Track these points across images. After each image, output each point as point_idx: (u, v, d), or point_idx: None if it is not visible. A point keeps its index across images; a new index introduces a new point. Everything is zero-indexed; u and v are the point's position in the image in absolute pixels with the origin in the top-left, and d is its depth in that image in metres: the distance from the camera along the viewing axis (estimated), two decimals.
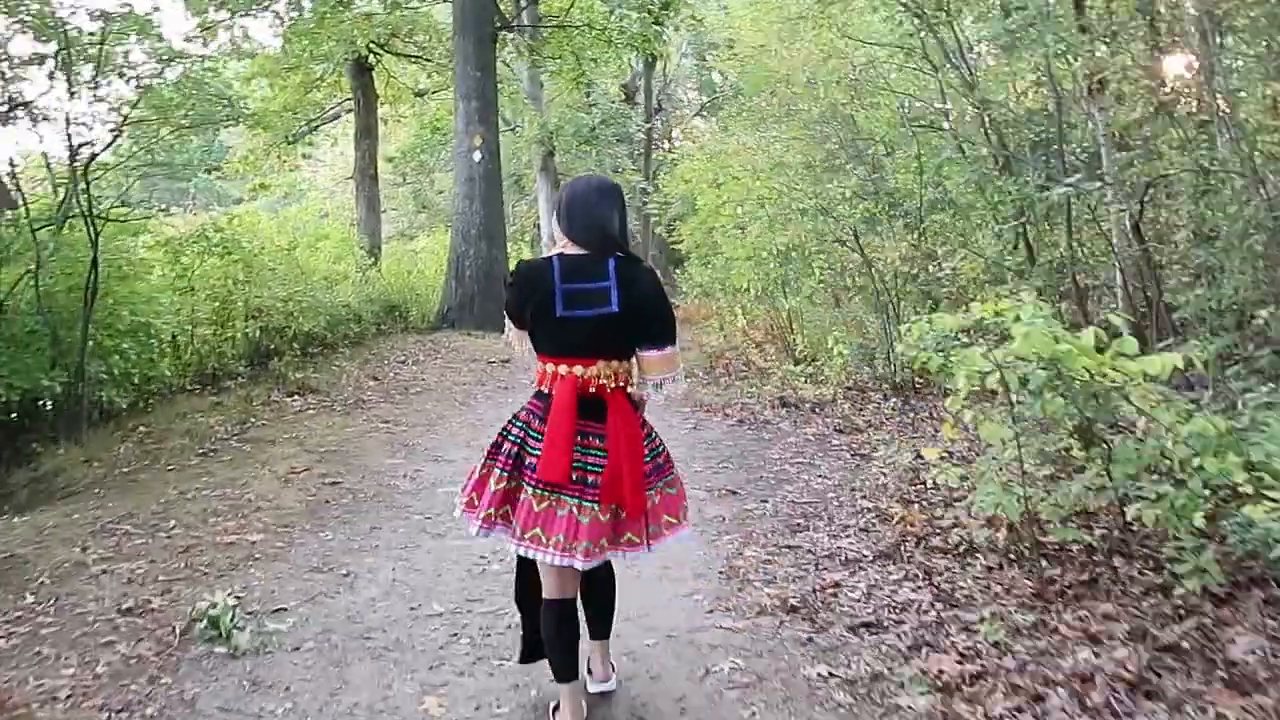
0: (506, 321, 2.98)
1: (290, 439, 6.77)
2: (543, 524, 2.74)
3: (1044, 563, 3.99)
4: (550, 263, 2.80)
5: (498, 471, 2.86)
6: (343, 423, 7.39)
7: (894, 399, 8.25)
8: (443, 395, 8.71)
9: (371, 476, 5.89)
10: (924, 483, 5.58)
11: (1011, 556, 4.15)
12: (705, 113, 35.37)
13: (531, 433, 2.84)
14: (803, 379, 8.56)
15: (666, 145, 34.28)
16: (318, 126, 19.91)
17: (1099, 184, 7.95)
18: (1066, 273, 9.06)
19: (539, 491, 2.75)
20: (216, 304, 8.95)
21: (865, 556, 4.41)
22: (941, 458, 3.87)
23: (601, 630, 3.20)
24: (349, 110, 18.54)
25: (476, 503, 2.88)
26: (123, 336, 7.32)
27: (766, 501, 5.42)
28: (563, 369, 2.81)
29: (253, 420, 7.26)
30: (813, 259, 9.92)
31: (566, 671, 2.89)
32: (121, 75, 8.86)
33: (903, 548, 4.48)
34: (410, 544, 4.66)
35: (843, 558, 4.40)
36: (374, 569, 4.28)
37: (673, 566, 4.38)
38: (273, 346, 9.23)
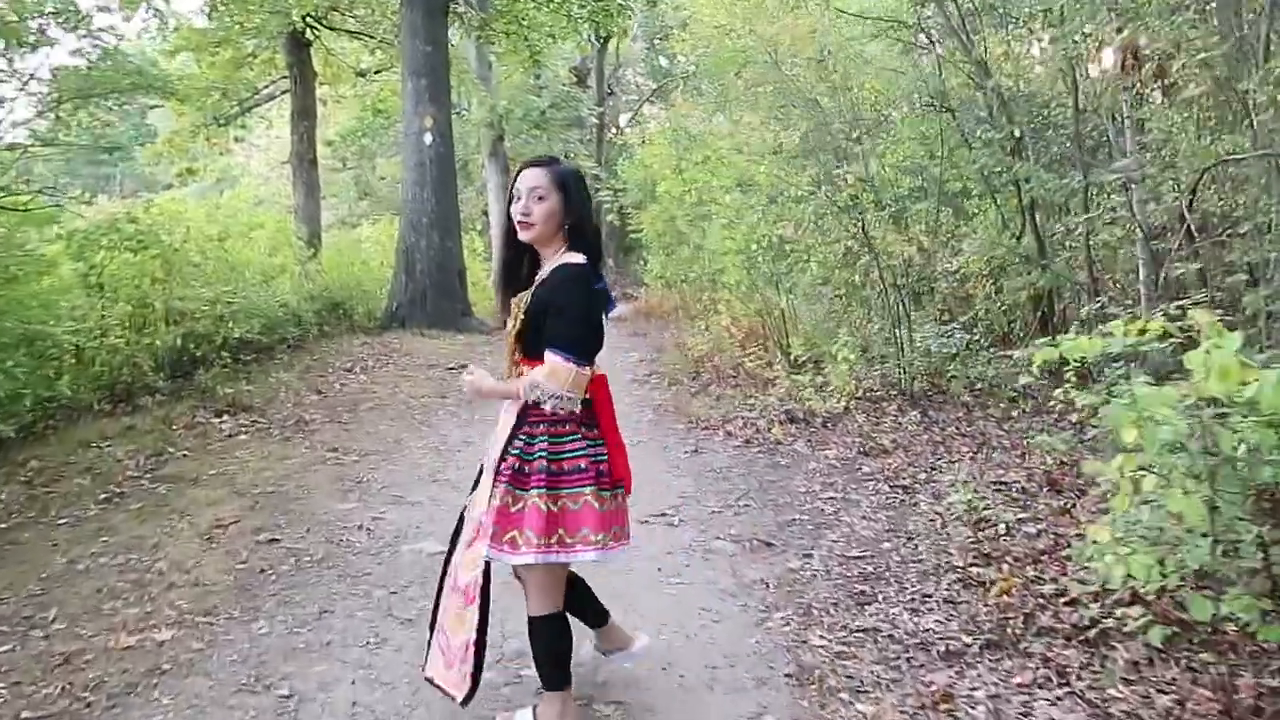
0: (574, 367, 2.62)
1: (217, 476, 5.59)
2: (618, 520, 2.88)
3: (1206, 657, 3.05)
4: (587, 267, 2.71)
5: (544, 491, 2.68)
6: (281, 451, 6.22)
7: (911, 411, 7.34)
8: (399, 412, 7.56)
9: (318, 528, 4.75)
10: (989, 524, 4.65)
11: (1161, 649, 3.21)
12: (654, 99, 34.38)
13: (569, 438, 2.72)
14: (809, 389, 7.59)
15: (615, 131, 33.28)
16: (251, 108, 18.38)
17: (1138, 170, 7.10)
18: (1082, 267, 8.24)
19: (603, 493, 2.77)
20: (131, 307, 7.66)
21: (966, 644, 3.44)
22: (1117, 539, 2.89)
23: (603, 615, 3.25)
24: (285, 92, 17.09)
25: (569, 538, 2.69)
26: (10, 350, 6.05)
27: (811, 556, 4.43)
28: (595, 370, 2.78)
29: (171, 450, 6.05)
30: (811, 252, 8.96)
31: (566, 679, 2.86)
32: (20, 44, 7.57)
33: (1009, 629, 3.52)
34: (374, 637, 3.56)
35: (939, 647, 3.42)
36: (326, 684, 3.18)
37: (720, 665, 3.36)
38: (199, 355, 7.98)
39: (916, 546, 4.49)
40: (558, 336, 2.59)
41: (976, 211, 10.37)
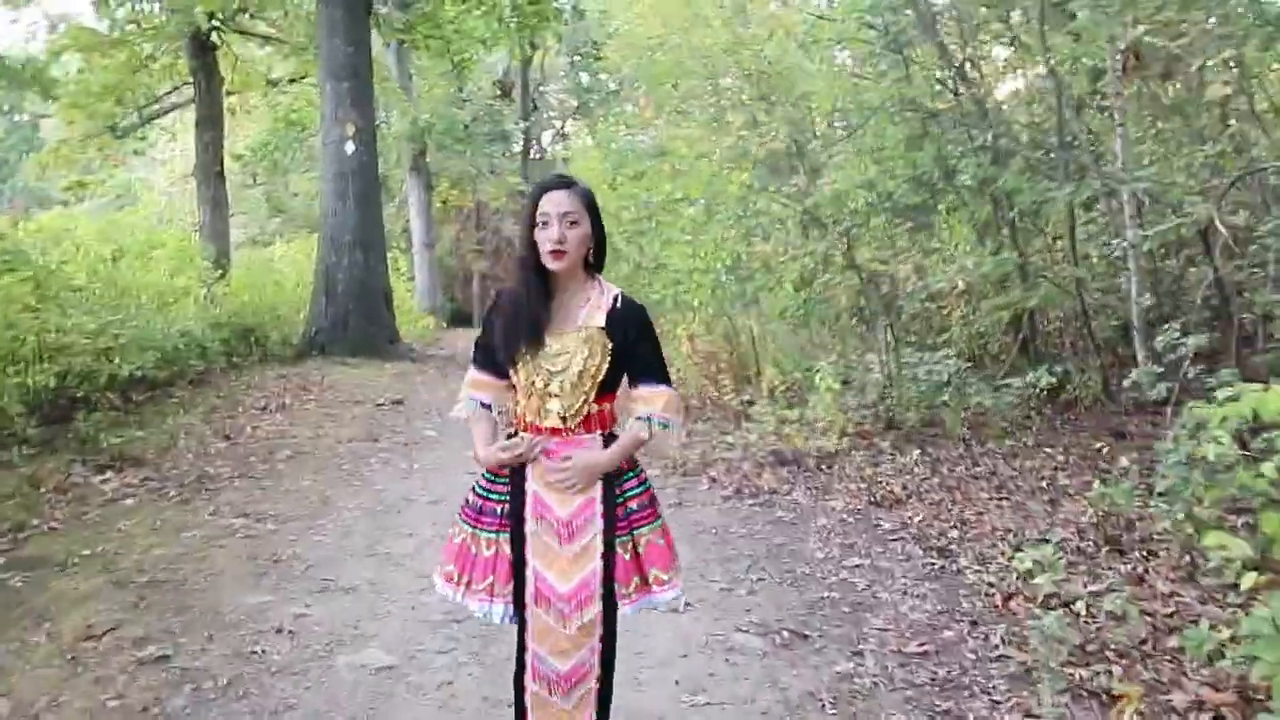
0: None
1: (92, 559, 4.43)
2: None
3: None
4: None
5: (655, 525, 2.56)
6: (178, 519, 5.07)
7: (910, 449, 6.54)
8: (323, 461, 6.44)
9: (224, 635, 3.66)
10: (1060, 601, 3.83)
11: None
12: (577, 115, 33.56)
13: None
14: (794, 424, 6.73)
15: (539, 148, 32.30)
16: (152, 118, 16.86)
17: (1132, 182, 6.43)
18: (1069, 289, 7.60)
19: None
20: None
21: None
22: None
23: None
24: (189, 101, 15.66)
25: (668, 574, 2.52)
26: None
27: (860, 654, 3.52)
28: None
29: (35, 522, 4.86)
30: (784, 270, 8.14)
31: None
32: None
33: None
34: None
35: None
36: None
37: None
38: (78, 396, 6.73)
39: (986, 636, 3.63)
40: (661, 368, 2.50)
41: (946, 226, 9.70)
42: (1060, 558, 4.36)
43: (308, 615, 3.87)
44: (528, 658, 2.46)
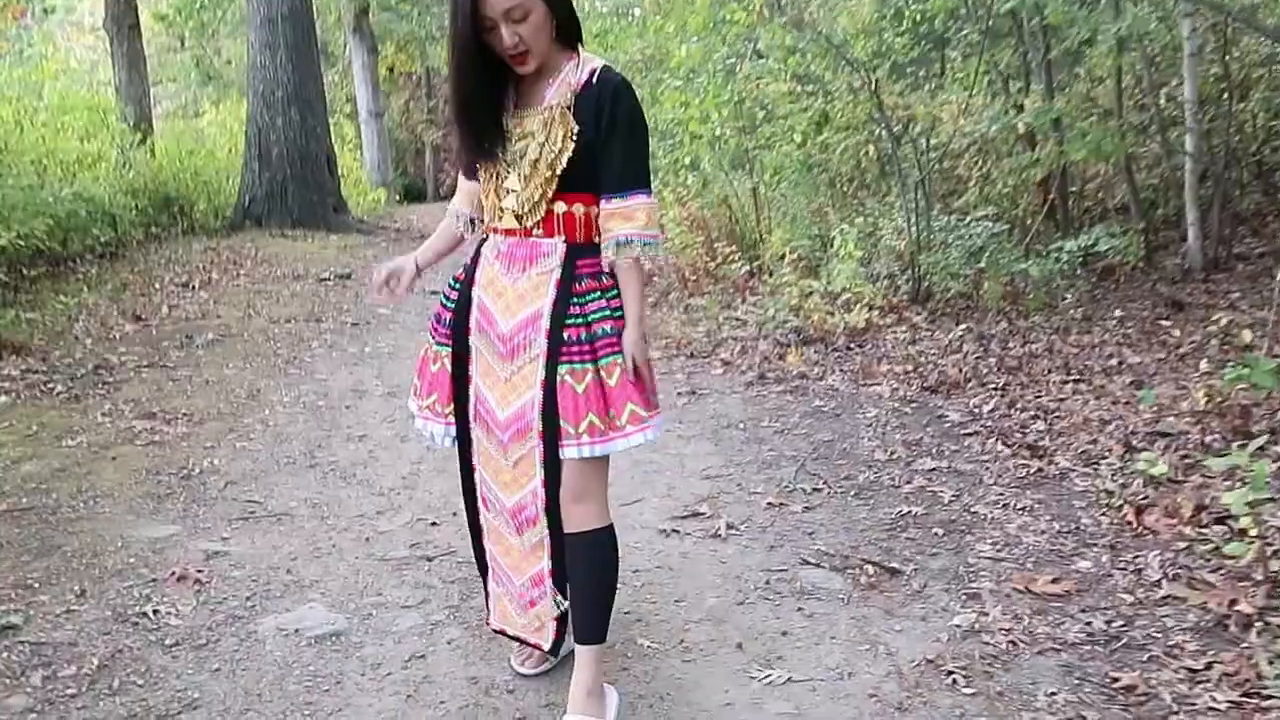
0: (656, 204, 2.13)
1: None
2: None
3: None
4: None
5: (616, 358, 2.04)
6: (63, 423, 3.98)
7: (947, 324, 5.61)
8: (253, 346, 5.32)
9: (101, 593, 2.64)
10: (1209, 512, 2.95)
11: None
12: None
13: (614, 292, 2.08)
14: (815, 297, 5.73)
15: None
16: None
17: None
18: (1116, 142, 6.55)
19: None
20: None
21: None
22: None
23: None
24: None
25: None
26: None
27: (978, 597, 2.60)
28: None
29: None
30: (793, 117, 6.99)
31: None
32: None
33: None
34: None
35: None
36: None
37: None
38: None
39: (1138, 568, 2.73)
40: (641, 169, 2.02)
41: (960, 76, 8.54)
42: (1169, 453, 3.50)
43: (223, 555, 2.86)
44: (476, 483, 2.20)
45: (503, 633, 2.28)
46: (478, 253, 2.14)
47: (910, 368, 4.78)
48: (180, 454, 3.64)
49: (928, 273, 6.06)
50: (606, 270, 2.03)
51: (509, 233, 2.06)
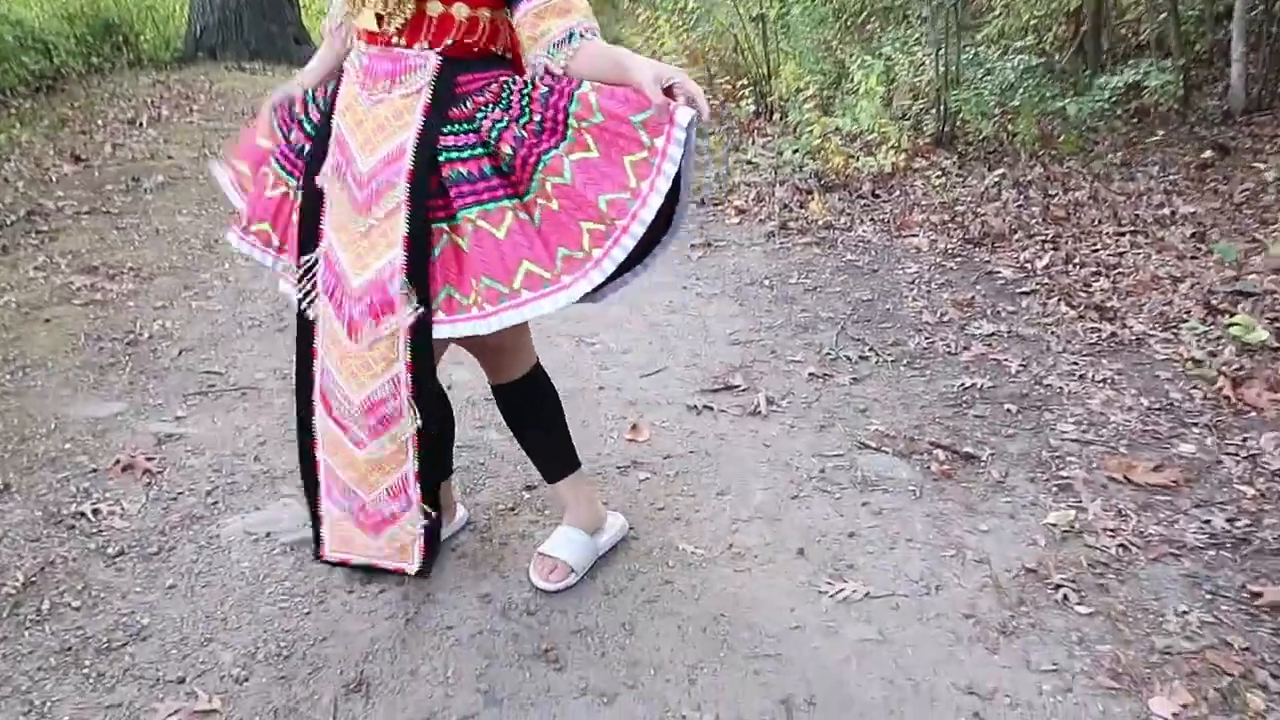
0: None
1: None
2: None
3: None
4: None
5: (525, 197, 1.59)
6: None
7: (979, 169, 5.11)
8: (210, 191, 4.71)
9: (31, 488, 2.21)
10: None
11: None
12: None
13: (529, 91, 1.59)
14: (835, 139, 5.16)
15: None
16: None
17: None
18: None
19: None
20: None
21: None
22: None
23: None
24: None
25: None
26: None
27: (1070, 488, 2.23)
28: None
29: None
30: None
31: (574, 451, 1.97)
32: None
33: None
34: None
35: None
36: None
37: None
38: None
39: (1251, 453, 2.35)
40: None
41: None
42: (1256, 315, 3.09)
43: (178, 439, 2.42)
44: (315, 373, 1.71)
45: (344, 564, 1.85)
46: (341, 70, 1.69)
47: (947, 217, 4.29)
48: (126, 316, 3.14)
49: (958, 111, 5.48)
50: (506, 78, 1.58)
51: (371, 38, 1.59)
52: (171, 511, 2.10)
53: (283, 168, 1.71)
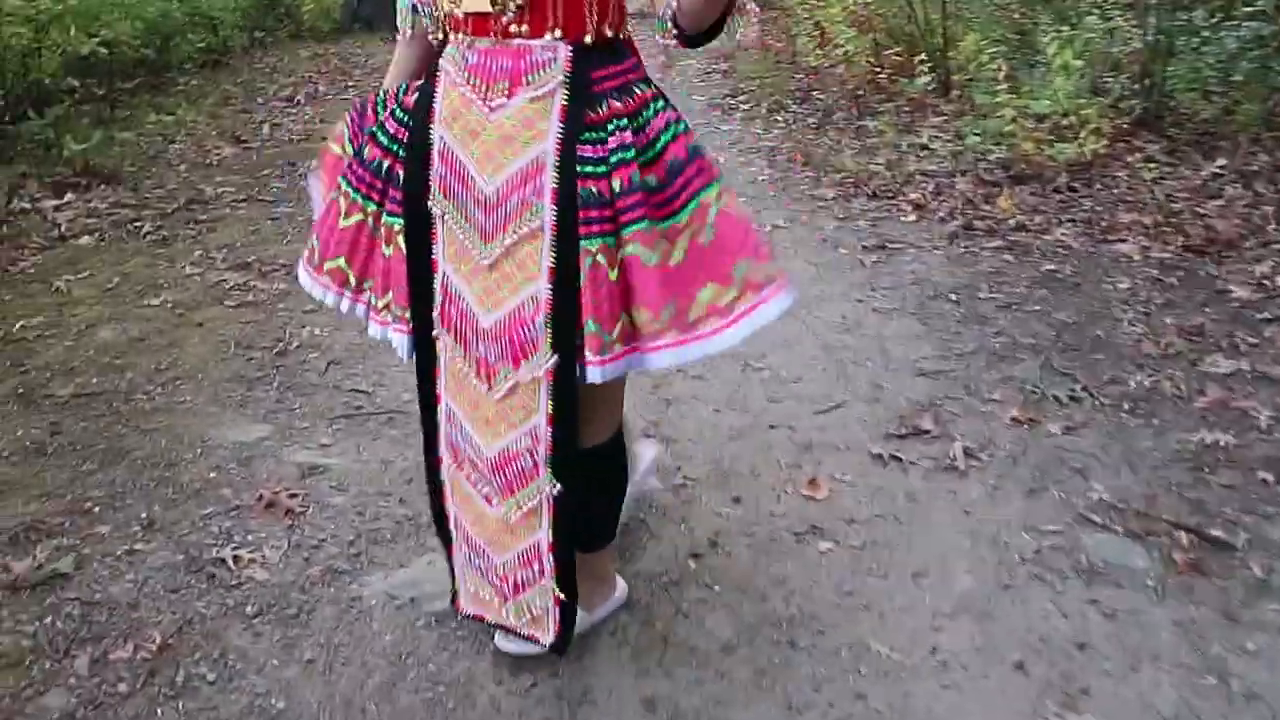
0: None
1: (8, 347, 2.87)
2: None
3: None
4: None
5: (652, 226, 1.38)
6: (147, 275, 3.43)
7: (1193, 157, 4.50)
8: None
9: (173, 523, 2.11)
10: None
11: None
12: None
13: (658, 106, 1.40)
14: (1021, 121, 4.64)
15: None
16: None
17: None
18: None
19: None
20: None
21: None
22: None
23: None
24: None
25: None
26: None
27: None
28: None
29: None
30: None
31: None
32: None
33: None
34: None
35: None
36: None
37: None
38: (30, 85, 4.96)
39: None
40: None
41: None
42: None
43: (322, 471, 2.28)
44: (440, 420, 1.51)
45: (480, 619, 1.64)
46: (434, 66, 1.43)
47: (1161, 218, 3.76)
48: (276, 320, 3.05)
49: (1173, 89, 4.85)
50: (641, 79, 1.38)
51: (477, 29, 1.33)
52: (313, 563, 1.95)
53: (357, 191, 1.46)
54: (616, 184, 1.30)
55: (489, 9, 1.29)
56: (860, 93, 6.03)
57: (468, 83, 1.34)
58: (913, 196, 4.21)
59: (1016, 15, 6.64)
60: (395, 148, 1.43)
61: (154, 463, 2.29)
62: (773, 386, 2.67)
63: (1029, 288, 3.27)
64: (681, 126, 1.37)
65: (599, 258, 1.31)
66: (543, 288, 1.33)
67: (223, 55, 7.17)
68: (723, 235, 1.33)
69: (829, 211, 4.13)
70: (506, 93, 1.32)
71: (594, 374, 1.34)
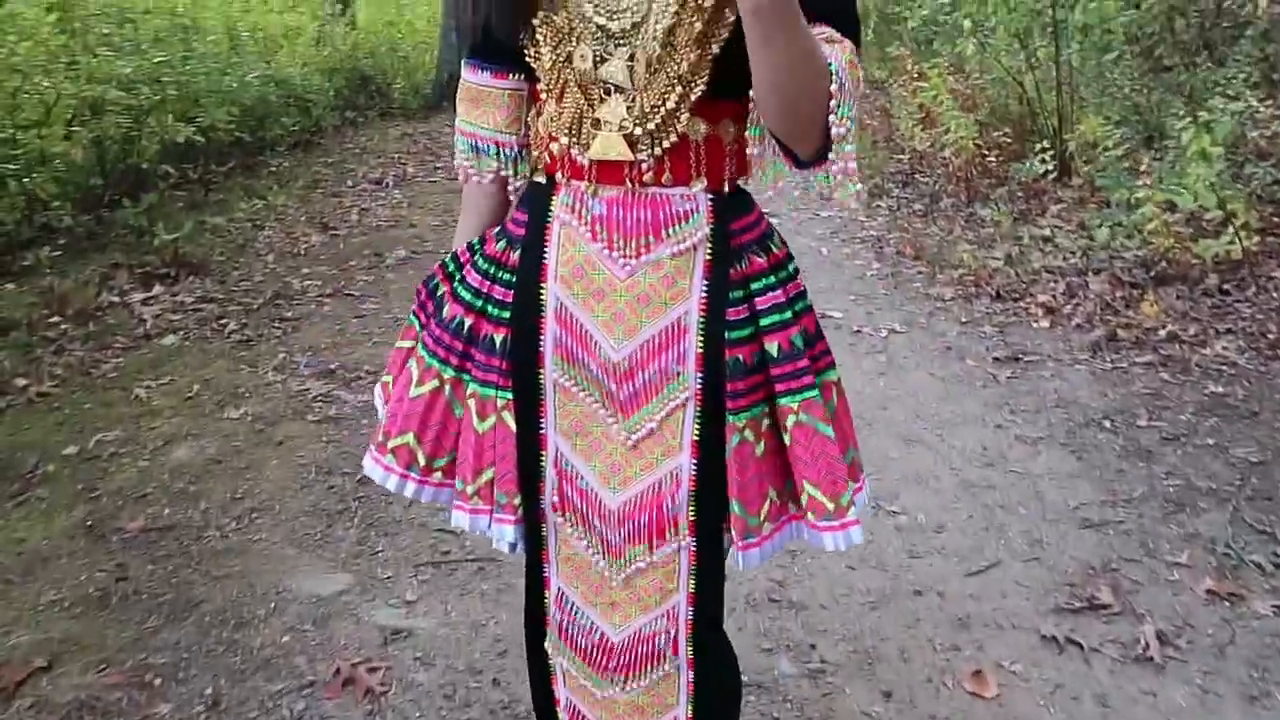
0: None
1: (71, 468, 2.69)
2: None
3: None
4: None
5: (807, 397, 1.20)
6: (228, 381, 3.26)
7: None
8: None
9: (245, 713, 1.85)
10: None
11: None
12: None
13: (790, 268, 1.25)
14: (1158, 215, 4.26)
15: None
16: None
17: None
18: None
19: None
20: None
21: None
22: None
23: None
24: None
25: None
26: None
27: None
28: None
29: (23, 382, 3.16)
30: None
31: None
32: None
33: None
34: None
35: None
36: None
37: None
38: (127, 171, 4.95)
39: None
40: (850, 6, 1.08)
41: None
42: None
43: (406, 637, 2.01)
44: (549, 600, 1.24)
45: None
46: (541, 214, 1.16)
47: None
48: (358, 439, 2.83)
49: None
50: (771, 231, 1.18)
51: (607, 176, 1.11)
52: None
53: (432, 355, 1.23)
54: (774, 349, 1.11)
55: (628, 156, 1.08)
56: (968, 177, 5.71)
57: (595, 238, 1.12)
58: (1042, 298, 3.86)
59: (1128, 89, 6.30)
60: (480, 303, 1.20)
61: (224, 619, 2.05)
62: (912, 537, 2.34)
63: (1196, 415, 2.88)
64: (809, 299, 1.21)
65: (746, 434, 1.12)
66: (685, 462, 1.13)
67: (314, 135, 7.20)
68: (840, 420, 1.19)
69: (949, 314, 3.80)
70: (645, 248, 1.11)
71: (752, 558, 1.14)
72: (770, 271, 1.13)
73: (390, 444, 1.26)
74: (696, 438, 1.12)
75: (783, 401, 1.11)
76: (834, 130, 1.02)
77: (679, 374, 1.12)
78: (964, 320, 3.72)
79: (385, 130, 7.79)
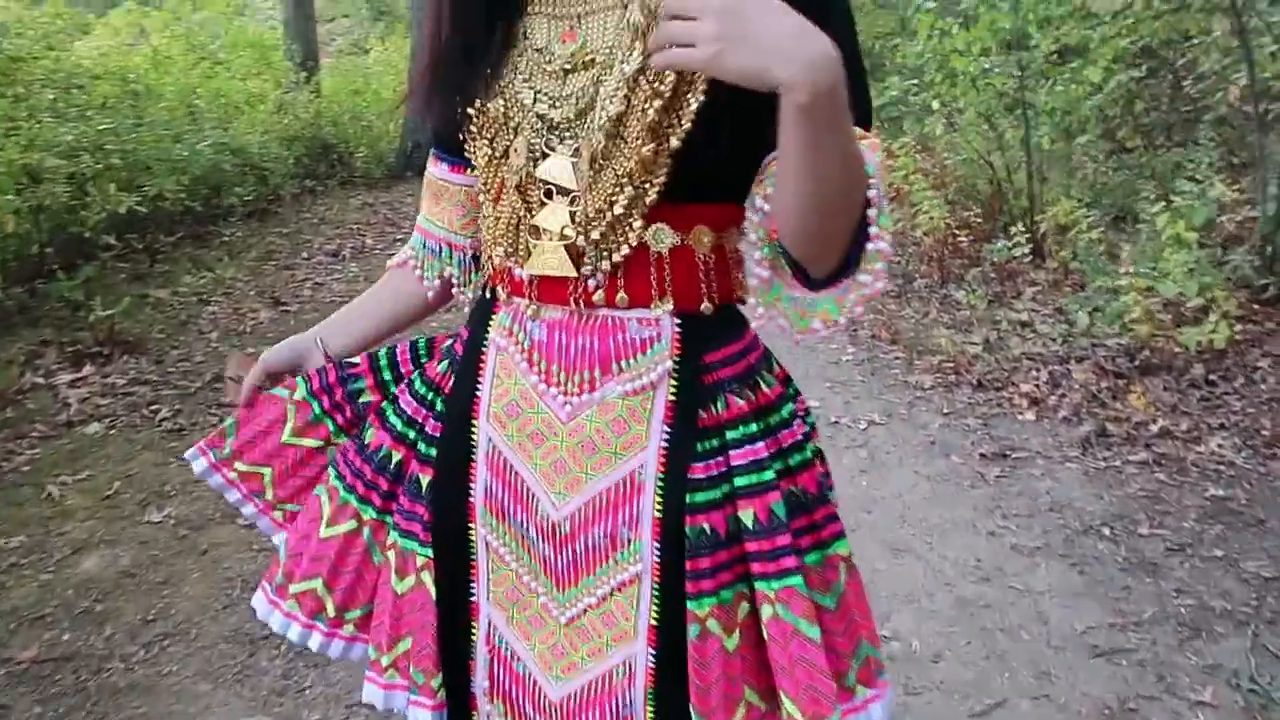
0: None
1: None
2: None
3: None
4: None
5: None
6: (155, 476, 2.98)
7: None
8: None
9: None
10: None
11: None
12: None
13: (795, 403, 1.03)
14: (1137, 302, 4.15)
15: None
16: None
17: None
18: None
19: None
20: None
21: None
22: None
23: None
24: None
25: None
26: None
27: None
28: None
29: None
30: (1099, 45, 5.33)
31: None
32: None
33: None
34: None
35: None
36: None
37: None
38: (69, 241, 4.69)
39: None
40: (863, 97, 0.86)
41: None
42: None
43: None
44: None
45: None
46: (478, 336, 0.99)
47: None
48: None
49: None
50: (764, 361, 0.97)
51: (550, 294, 0.92)
52: None
53: (350, 489, 1.03)
54: (747, 518, 0.89)
55: (570, 273, 0.89)
56: (940, 257, 5.62)
57: (533, 368, 0.93)
58: (1025, 388, 3.70)
59: (1093, 170, 6.30)
60: (412, 435, 1.02)
61: None
62: (908, 668, 2.11)
63: (1200, 522, 2.70)
64: (815, 448, 0.97)
65: (710, 624, 0.89)
66: (641, 652, 0.92)
67: (272, 204, 6.98)
68: (848, 607, 0.94)
69: (930, 404, 3.63)
70: (589, 384, 0.91)
71: None
72: (753, 417, 0.92)
73: (293, 588, 1.05)
74: (655, 622, 0.91)
75: (759, 586, 0.89)
76: (873, 245, 0.82)
77: (630, 541, 0.91)
78: (946, 411, 3.54)
79: (346, 199, 7.60)
